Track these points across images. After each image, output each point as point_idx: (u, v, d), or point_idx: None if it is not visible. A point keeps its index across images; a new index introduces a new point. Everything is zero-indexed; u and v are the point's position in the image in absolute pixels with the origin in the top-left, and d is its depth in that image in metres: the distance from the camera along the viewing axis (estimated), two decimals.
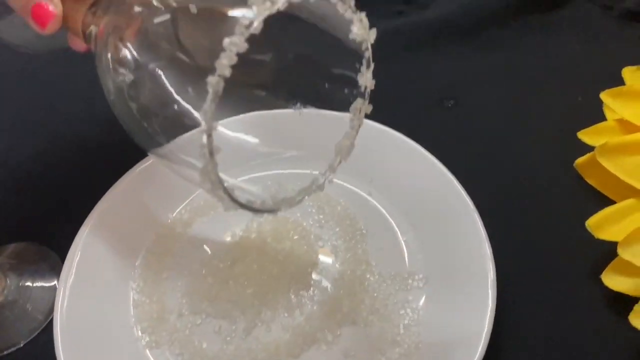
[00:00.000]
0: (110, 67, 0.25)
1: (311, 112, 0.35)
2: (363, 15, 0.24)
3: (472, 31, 0.51)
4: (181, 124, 0.22)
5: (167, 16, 0.24)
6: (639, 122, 0.36)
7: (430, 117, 0.45)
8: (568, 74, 0.47)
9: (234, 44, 0.19)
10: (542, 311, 0.33)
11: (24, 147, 0.43)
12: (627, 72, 0.43)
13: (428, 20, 0.51)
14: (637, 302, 0.31)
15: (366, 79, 0.25)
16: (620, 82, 0.43)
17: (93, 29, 0.27)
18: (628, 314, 0.31)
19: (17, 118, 0.45)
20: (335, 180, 0.38)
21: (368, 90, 0.26)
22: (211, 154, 0.21)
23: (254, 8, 0.20)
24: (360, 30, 0.24)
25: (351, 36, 0.24)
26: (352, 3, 0.23)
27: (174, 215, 0.37)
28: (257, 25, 0.20)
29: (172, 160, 0.24)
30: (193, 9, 0.23)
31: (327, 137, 0.30)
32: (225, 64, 0.19)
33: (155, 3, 0.24)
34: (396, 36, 0.50)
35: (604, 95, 0.38)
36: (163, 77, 0.23)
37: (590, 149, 0.39)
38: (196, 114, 0.21)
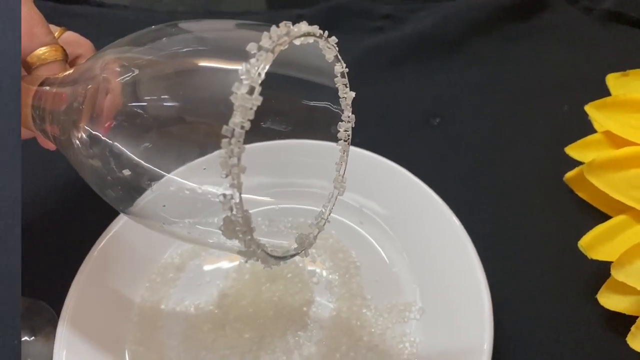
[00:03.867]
0: (81, 149, 0.23)
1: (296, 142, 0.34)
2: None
3: (453, 44, 0.50)
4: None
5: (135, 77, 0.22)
6: (625, 135, 0.36)
7: (417, 136, 0.45)
8: (553, 82, 0.47)
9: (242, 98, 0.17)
10: (540, 334, 0.33)
11: None
12: (611, 79, 0.42)
13: (409, 35, 0.50)
14: (634, 321, 0.31)
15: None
16: (605, 86, 0.43)
17: (47, 110, 0.24)
18: (627, 334, 0.31)
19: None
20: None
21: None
22: (249, 225, 0.19)
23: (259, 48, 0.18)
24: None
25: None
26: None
27: (164, 259, 0.37)
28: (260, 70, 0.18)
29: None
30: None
31: (314, 168, 0.29)
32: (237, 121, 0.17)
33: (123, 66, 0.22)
34: (378, 53, 0.50)
35: (588, 108, 0.38)
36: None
37: (579, 162, 0.38)
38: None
